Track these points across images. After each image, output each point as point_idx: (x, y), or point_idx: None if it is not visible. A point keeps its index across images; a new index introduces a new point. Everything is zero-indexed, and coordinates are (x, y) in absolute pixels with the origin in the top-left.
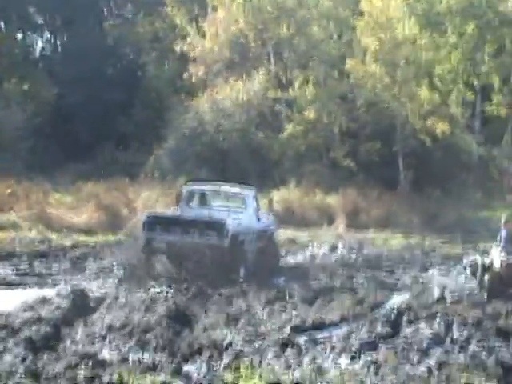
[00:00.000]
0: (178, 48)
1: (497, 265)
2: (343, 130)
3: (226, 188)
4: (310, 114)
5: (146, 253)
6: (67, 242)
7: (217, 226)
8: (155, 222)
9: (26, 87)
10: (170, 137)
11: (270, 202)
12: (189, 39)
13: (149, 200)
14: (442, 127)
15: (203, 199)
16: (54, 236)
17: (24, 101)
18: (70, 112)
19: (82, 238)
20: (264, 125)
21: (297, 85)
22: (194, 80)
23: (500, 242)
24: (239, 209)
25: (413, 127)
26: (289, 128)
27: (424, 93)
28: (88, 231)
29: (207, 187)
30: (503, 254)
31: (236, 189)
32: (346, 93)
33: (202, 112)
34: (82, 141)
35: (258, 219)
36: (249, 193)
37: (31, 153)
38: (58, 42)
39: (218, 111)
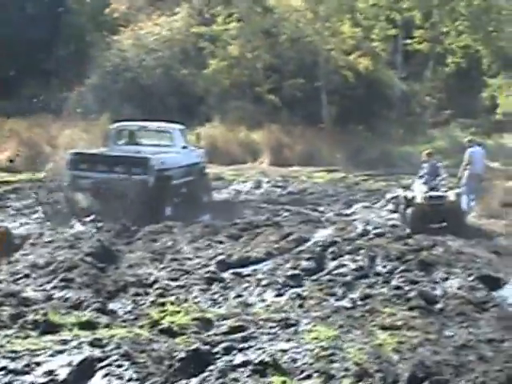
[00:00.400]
0: None
1: (419, 199)
2: (267, 66)
3: (153, 125)
4: (234, 49)
5: (71, 190)
6: None
7: (142, 163)
8: (80, 160)
9: None
10: (92, 73)
11: (198, 136)
12: None
13: (72, 137)
14: (364, 63)
15: (131, 137)
16: None
17: None
18: None
19: (4, 175)
20: (188, 61)
21: (220, 20)
22: (116, 15)
23: (422, 176)
24: (167, 145)
25: (336, 63)
26: (213, 64)
27: (347, 28)
28: (10, 169)
29: (134, 125)
30: (425, 187)
31: (163, 125)
32: (270, 28)
33: (125, 48)
34: (3, 78)
35: (186, 154)
36: (176, 129)
37: None
38: None
39: (140, 47)
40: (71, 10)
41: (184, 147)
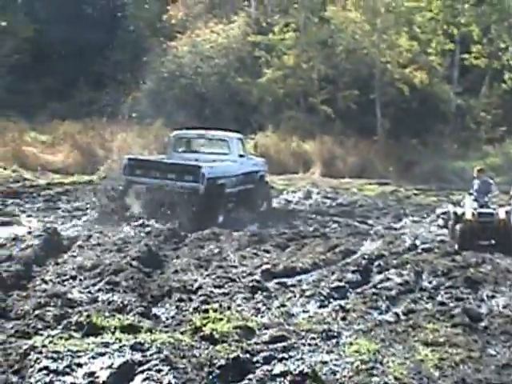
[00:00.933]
0: None
1: (468, 215)
2: (322, 77)
3: (210, 134)
4: (289, 59)
5: (125, 195)
6: (42, 181)
7: (193, 171)
8: (135, 166)
9: (3, 23)
10: (148, 79)
11: (256, 145)
12: None
13: (125, 141)
14: (420, 76)
15: (189, 145)
16: (28, 175)
17: (1, 38)
18: (48, 51)
19: (57, 177)
20: (243, 69)
21: (277, 30)
22: (173, 22)
23: (472, 192)
24: (224, 153)
25: (391, 76)
26: (268, 73)
27: (403, 41)
28: (63, 170)
29: (193, 134)
30: (475, 204)
31: (220, 134)
32: (326, 39)
33: (181, 55)
34: (60, 80)
35: (243, 162)
36: (233, 137)
37: (8, 91)
38: None
39: (197, 54)
40: (129, 16)
41: (241, 156)
